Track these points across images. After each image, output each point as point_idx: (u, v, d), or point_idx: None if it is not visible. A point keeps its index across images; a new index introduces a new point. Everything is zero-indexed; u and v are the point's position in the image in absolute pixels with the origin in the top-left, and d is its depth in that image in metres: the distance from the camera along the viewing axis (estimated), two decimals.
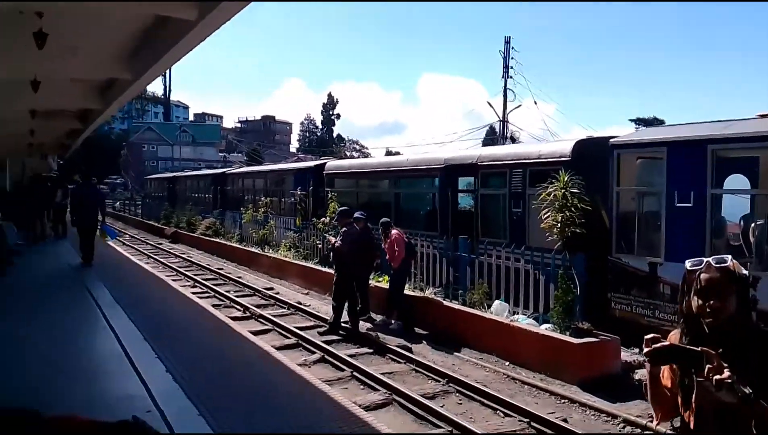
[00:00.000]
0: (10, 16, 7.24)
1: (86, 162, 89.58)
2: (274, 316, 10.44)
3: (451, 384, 6.91)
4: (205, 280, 14.34)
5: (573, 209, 8.21)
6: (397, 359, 8.00)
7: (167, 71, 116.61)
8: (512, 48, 28.23)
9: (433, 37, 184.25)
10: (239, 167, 28.16)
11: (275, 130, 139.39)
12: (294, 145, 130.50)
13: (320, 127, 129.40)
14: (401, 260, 9.91)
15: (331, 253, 9.99)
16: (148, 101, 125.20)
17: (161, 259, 18.02)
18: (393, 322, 9.99)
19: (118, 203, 45.25)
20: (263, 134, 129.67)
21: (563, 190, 8.28)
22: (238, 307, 11.12)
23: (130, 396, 4.99)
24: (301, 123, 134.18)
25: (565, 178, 8.38)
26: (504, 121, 26.66)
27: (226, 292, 12.61)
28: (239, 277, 14.78)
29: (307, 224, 15.23)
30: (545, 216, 8.46)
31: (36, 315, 8.27)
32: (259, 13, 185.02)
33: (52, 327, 7.58)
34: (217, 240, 20.23)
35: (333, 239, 9.67)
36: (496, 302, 8.88)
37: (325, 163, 17.12)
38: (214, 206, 25.72)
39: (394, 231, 10.19)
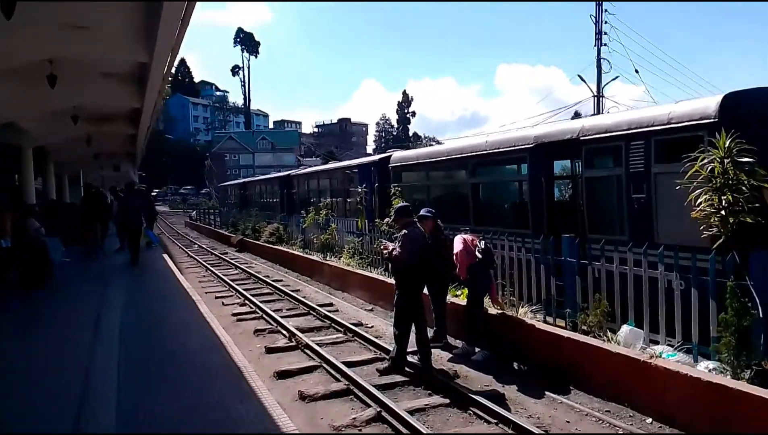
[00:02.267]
0: None
1: (171, 173, 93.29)
2: (326, 344, 8.30)
3: None
4: (257, 295, 12.48)
5: (743, 188, 5.46)
6: (485, 416, 5.56)
7: (246, 80, 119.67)
8: (605, 11, 24.58)
9: (507, 29, 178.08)
10: (305, 168, 26.54)
11: (352, 132, 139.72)
12: (371, 146, 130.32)
13: (396, 126, 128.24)
14: (467, 268, 7.50)
15: (389, 264, 7.70)
16: (229, 111, 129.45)
17: (218, 272, 16.46)
18: (477, 350, 7.57)
19: (194, 212, 45.27)
20: (340, 137, 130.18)
21: (725, 162, 5.54)
22: (285, 332, 9.06)
23: None
24: (377, 123, 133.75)
25: (726, 144, 5.63)
26: (599, 96, 23.18)
27: (276, 311, 10.63)
28: (296, 291, 12.81)
29: (370, 226, 13.05)
30: (698, 200, 5.74)
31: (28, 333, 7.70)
32: (335, 17, 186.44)
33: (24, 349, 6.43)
34: (280, 247, 18.50)
35: (390, 245, 7.35)
36: (625, 328, 6.23)
37: (390, 156, 14.86)
38: (281, 210, 24.20)
39: (457, 239, 7.82)
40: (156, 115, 17.20)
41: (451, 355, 7.69)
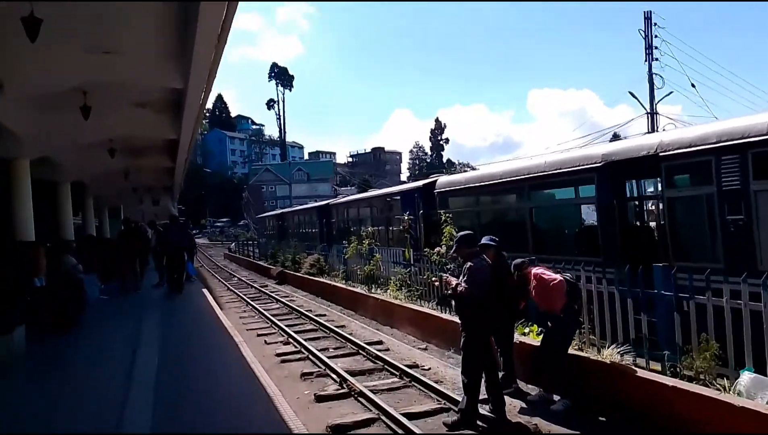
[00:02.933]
0: None
1: (210, 206, 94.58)
2: (381, 390, 7.43)
3: None
4: (301, 332, 11.73)
5: None
6: None
7: (281, 113, 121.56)
8: (654, 24, 23.44)
9: (537, 54, 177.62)
10: (344, 197, 25.98)
11: (385, 161, 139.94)
12: (404, 174, 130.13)
13: (429, 153, 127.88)
14: (562, 308, 6.56)
15: (453, 301, 6.82)
16: (265, 144, 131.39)
17: (259, 306, 15.81)
18: (556, 398, 6.59)
19: (233, 244, 45.22)
20: (374, 166, 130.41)
21: None
22: (334, 376, 8.23)
23: None
24: (410, 151, 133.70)
25: None
26: (652, 113, 21.94)
27: (323, 350, 9.84)
28: (341, 327, 12.01)
29: (418, 256, 12.23)
30: None
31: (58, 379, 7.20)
32: (365, 47, 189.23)
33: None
34: (321, 279, 17.79)
35: (453, 280, 6.48)
36: (746, 376, 5.20)
37: (435, 181, 14.08)
38: (321, 240, 23.60)
39: (536, 269, 6.90)
40: (193, 146, 16.90)
41: (524, 404, 6.73)
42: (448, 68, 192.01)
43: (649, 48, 22.89)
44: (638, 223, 9.92)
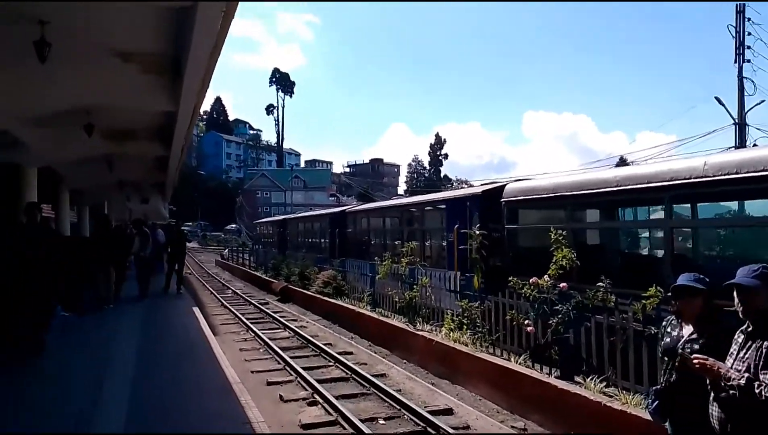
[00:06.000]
0: None
1: (204, 210, 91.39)
2: None
3: None
4: (327, 382, 8.55)
5: None
6: None
7: (280, 118, 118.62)
8: (748, 20, 20.36)
9: (532, 76, 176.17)
10: (359, 205, 22.85)
11: (383, 173, 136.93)
12: (402, 187, 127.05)
13: (428, 167, 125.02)
14: None
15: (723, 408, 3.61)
16: (262, 150, 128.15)
17: (263, 333, 12.58)
18: None
19: (226, 251, 41.88)
20: (371, 177, 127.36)
21: None
22: None
23: None
24: (409, 164, 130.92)
25: None
26: (740, 124, 18.93)
27: (370, 422, 6.67)
28: (381, 377, 8.84)
29: (482, 284, 9.09)
30: None
31: None
32: (364, 60, 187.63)
33: None
34: (340, 302, 14.55)
35: (729, 371, 3.25)
36: None
37: (502, 186, 10.98)
38: (331, 253, 20.39)
39: None
40: (192, 130, 13.78)
41: None
42: (445, 85, 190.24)
43: (740, 47, 19.89)
44: None
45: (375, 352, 10.88)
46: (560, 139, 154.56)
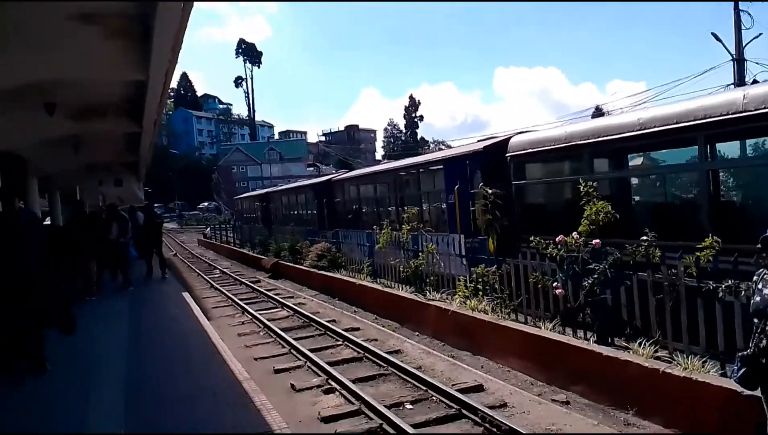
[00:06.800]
0: None
1: (179, 189, 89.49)
2: None
3: None
4: (339, 364, 7.90)
5: None
6: None
7: (250, 90, 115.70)
8: None
9: (502, 30, 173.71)
10: (345, 172, 21.98)
11: (360, 139, 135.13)
12: (379, 153, 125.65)
13: (404, 130, 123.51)
14: None
15: None
16: (234, 123, 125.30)
17: (259, 314, 11.85)
18: None
19: (208, 229, 40.77)
20: (348, 144, 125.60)
21: None
22: None
23: None
24: (385, 129, 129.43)
25: None
26: (738, 59, 18.22)
27: (396, 407, 6.05)
28: (396, 353, 8.21)
29: (499, 247, 8.42)
30: None
31: None
32: (330, 26, 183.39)
33: None
34: (338, 275, 13.84)
35: None
36: None
37: (506, 141, 10.25)
38: (320, 225, 19.60)
39: None
40: (165, 101, 12.75)
41: None
42: (416, 47, 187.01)
43: None
44: None
45: (383, 326, 10.25)
46: (532, 95, 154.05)
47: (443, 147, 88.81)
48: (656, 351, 5.62)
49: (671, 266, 5.70)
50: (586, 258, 6.53)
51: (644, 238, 6.01)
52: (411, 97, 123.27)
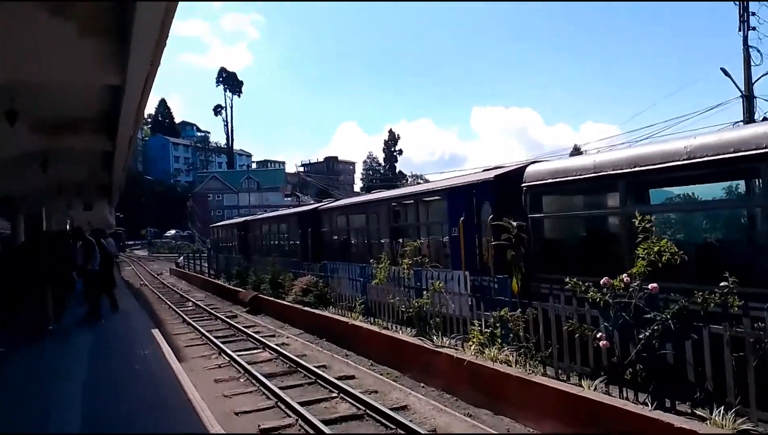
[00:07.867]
0: None
1: (153, 215, 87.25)
2: None
3: None
4: (335, 422, 6.68)
5: None
6: None
7: (229, 119, 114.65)
8: None
9: (480, 71, 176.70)
10: (332, 202, 20.89)
11: (339, 171, 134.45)
12: (358, 184, 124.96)
13: (383, 163, 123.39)
14: None
15: None
16: (212, 151, 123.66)
17: (237, 355, 10.55)
18: None
19: (181, 258, 39.08)
20: (327, 175, 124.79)
21: None
22: None
23: None
24: (364, 161, 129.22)
25: None
26: (747, 96, 17.81)
27: None
28: (401, 408, 7.04)
29: (522, 286, 7.39)
30: None
31: None
32: (313, 59, 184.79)
33: None
34: (326, 313, 12.60)
35: None
36: None
37: (521, 170, 9.35)
38: (304, 256, 18.38)
39: None
40: (143, 115, 11.64)
41: None
42: (395, 83, 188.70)
43: (744, 13, 18.69)
44: None
45: (381, 374, 9.04)
46: (507, 133, 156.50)
47: (421, 181, 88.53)
48: (743, 422, 4.58)
49: (757, 319, 4.72)
50: (640, 305, 5.51)
51: (723, 283, 5.02)
52: (390, 131, 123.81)
